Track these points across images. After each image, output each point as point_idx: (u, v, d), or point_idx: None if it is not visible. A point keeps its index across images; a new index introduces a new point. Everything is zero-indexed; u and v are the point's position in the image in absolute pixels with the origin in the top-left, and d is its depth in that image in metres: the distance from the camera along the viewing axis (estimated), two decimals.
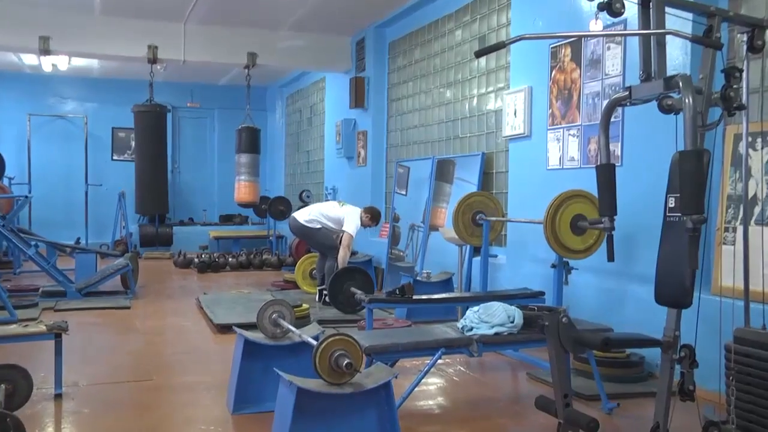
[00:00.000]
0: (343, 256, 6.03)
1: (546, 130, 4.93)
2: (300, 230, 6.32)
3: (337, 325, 5.21)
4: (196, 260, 9.07)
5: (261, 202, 9.82)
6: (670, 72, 2.36)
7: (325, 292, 6.19)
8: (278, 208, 9.60)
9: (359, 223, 6.12)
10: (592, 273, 4.40)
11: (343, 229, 6.08)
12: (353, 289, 5.21)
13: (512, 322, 3.40)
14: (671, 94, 2.32)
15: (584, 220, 4.08)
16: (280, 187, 11.88)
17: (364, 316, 4.79)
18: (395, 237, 7.29)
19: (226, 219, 12.09)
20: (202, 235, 11.00)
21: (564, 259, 4.19)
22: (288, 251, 9.57)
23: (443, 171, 6.58)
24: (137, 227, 10.75)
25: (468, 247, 5.67)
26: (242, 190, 9.02)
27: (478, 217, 5.17)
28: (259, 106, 11.96)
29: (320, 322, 4.98)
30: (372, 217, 6.19)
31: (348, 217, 6.13)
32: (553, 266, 4.21)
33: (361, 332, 3.78)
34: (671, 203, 2.40)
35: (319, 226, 6.18)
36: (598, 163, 2.56)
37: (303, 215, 6.28)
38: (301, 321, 4.43)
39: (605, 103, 2.90)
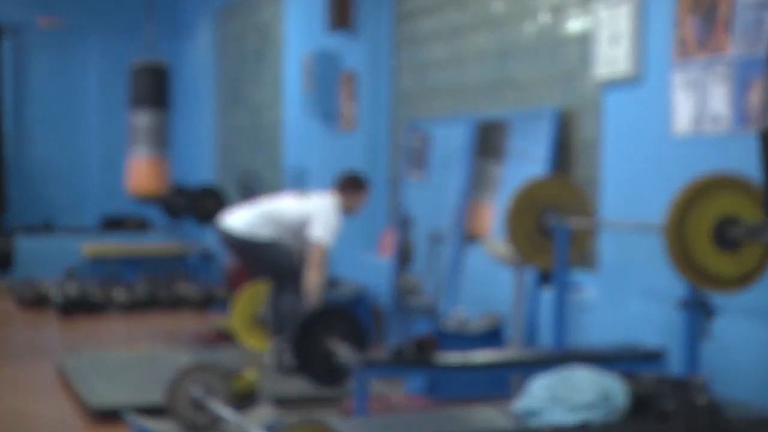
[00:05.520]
0: (313, 283, 6.09)
1: (670, 68, 4.91)
2: (237, 244, 6.31)
3: (307, 407, 5.20)
4: (56, 295, 9.05)
5: (174, 195, 9.79)
6: None
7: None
8: (203, 204, 9.57)
9: (335, 218, 6.20)
10: (754, 318, 4.38)
11: (311, 235, 6.12)
12: (332, 345, 5.19)
13: (609, 402, 3.39)
14: None
15: (738, 225, 4.07)
16: (208, 169, 11.86)
17: (351, 391, 4.76)
18: (406, 254, 7.27)
19: (113, 224, 12.07)
20: (68, 251, 10.98)
21: (702, 294, 4.18)
22: (224, 279, 9.55)
23: (488, 140, 6.58)
24: None
25: (531, 271, 5.64)
26: (140, 173, 8.99)
27: (548, 221, 5.15)
28: (169, 27, 11.94)
29: (277, 402, 4.96)
30: (355, 188, 6.37)
31: (316, 212, 6.19)
32: (684, 306, 4.20)
33: (348, 421, 3.75)
34: None
35: (270, 234, 6.17)
36: (765, 126, 2.53)
37: (241, 219, 6.28)
38: (245, 400, 4.40)
39: None
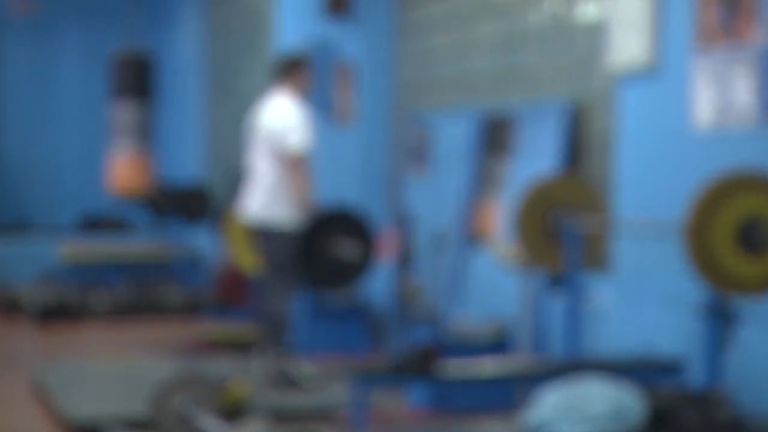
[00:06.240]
0: (304, 187, 6.00)
1: (690, 57, 4.89)
2: (260, 229, 6.24)
3: (301, 420, 5.19)
4: (31, 301, 9.01)
5: (158, 193, 9.75)
6: None
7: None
8: (190, 203, 9.54)
9: (297, 117, 6.06)
10: None
11: (286, 150, 6.02)
12: (336, 247, 5.20)
13: (623, 417, 3.38)
14: None
15: (763, 226, 4.07)
16: (195, 165, 11.82)
17: (349, 403, 4.73)
18: (406, 256, 7.26)
19: (93, 224, 12.02)
20: (45, 253, 10.92)
21: (725, 300, 4.17)
22: (213, 284, 9.51)
23: (494, 135, 6.59)
24: None
25: (540, 274, 5.63)
26: (122, 170, 8.97)
27: (559, 221, 5.16)
28: (153, 13, 11.90)
29: (270, 415, 4.95)
30: (297, 67, 6.27)
31: (277, 128, 6.06)
32: (705, 312, 4.20)
33: None
34: None
35: (285, 211, 6.08)
36: None
37: (257, 202, 6.21)
38: (235, 413, 4.39)
39: None
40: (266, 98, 6.35)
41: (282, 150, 6.03)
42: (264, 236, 6.19)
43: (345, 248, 5.10)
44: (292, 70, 6.27)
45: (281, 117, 6.10)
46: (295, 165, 6.02)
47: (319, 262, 5.45)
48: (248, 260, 6.93)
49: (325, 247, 5.41)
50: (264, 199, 6.14)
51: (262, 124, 6.20)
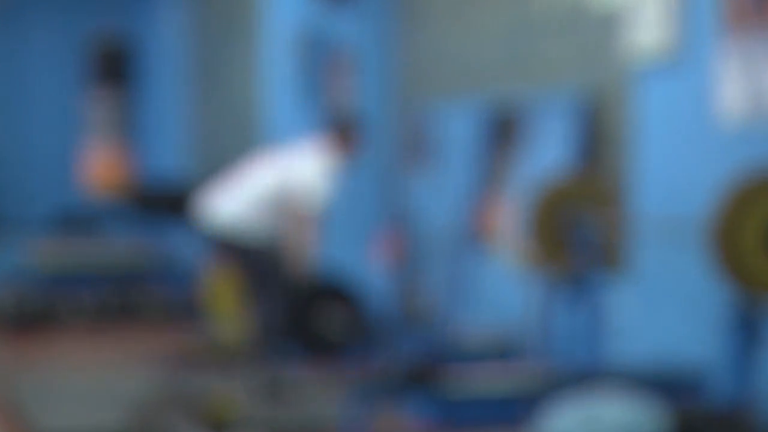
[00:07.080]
0: (302, 246, 5.95)
1: (717, 42, 4.89)
2: (234, 244, 6.22)
3: None
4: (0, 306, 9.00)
5: (138, 190, 9.75)
6: None
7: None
8: (173, 202, 9.54)
9: (320, 182, 5.99)
10: None
11: (294, 207, 5.98)
12: (326, 321, 5.22)
13: None
14: None
15: None
16: (179, 159, 11.82)
17: (346, 417, 4.72)
18: (406, 258, 7.27)
19: (65, 224, 12.01)
20: (11, 255, 10.90)
21: (755, 306, 4.18)
22: (197, 289, 9.51)
23: (503, 128, 6.60)
24: None
25: (552, 276, 5.63)
26: (98, 165, 8.98)
27: (572, 220, 5.17)
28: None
29: (264, 428, 4.97)
30: (349, 134, 6.19)
31: (296, 180, 6.01)
32: (733, 319, 4.20)
33: None
34: None
35: (265, 227, 6.07)
36: None
37: (231, 212, 6.16)
38: (223, 428, 4.39)
39: None
40: (305, 144, 6.33)
41: (291, 201, 6.03)
42: (238, 252, 6.19)
43: (331, 326, 5.11)
44: (342, 133, 6.22)
45: (306, 171, 6.04)
46: (295, 226, 6.00)
47: (303, 336, 5.46)
48: (231, 328, 6.88)
49: (311, 322, 5.43)
50: (241, 204, 6.08)
51: (288, 166, 6.14)
